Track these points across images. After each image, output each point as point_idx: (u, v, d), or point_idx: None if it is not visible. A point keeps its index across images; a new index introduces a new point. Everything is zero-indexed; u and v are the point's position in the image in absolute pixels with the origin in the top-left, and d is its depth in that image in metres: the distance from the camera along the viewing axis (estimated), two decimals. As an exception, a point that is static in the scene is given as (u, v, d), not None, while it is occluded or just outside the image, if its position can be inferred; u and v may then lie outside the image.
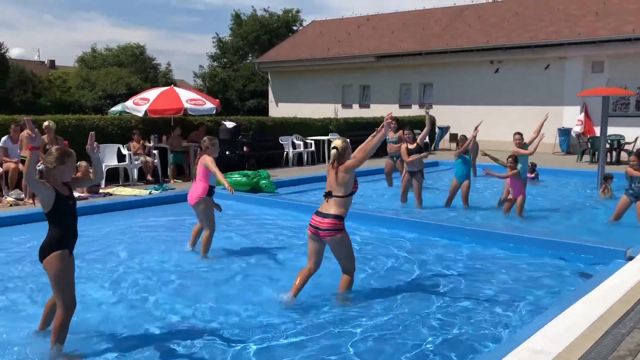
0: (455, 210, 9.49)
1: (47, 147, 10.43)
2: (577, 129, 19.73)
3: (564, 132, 20.17)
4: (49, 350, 3.80)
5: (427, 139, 21.24)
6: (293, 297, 4.95)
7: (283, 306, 4.89)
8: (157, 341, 4.18)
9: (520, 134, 9.65)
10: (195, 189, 6.30)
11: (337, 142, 4.96)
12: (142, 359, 3.91)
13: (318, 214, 4.89)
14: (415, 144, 9.66)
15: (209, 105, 12.79)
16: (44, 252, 3.76)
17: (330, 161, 4.93)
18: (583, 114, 19.79)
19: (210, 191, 6.33)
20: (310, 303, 4.94)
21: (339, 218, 4.83)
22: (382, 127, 4.93)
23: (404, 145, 9.73)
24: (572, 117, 20.42)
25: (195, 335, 4.28)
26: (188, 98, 12.73)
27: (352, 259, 5.06)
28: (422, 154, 9.65)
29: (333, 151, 4.90)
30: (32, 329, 4.18)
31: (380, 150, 10.79)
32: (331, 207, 4.84)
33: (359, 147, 5.04)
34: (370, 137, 5.04)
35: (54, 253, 3.73)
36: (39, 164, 3.74)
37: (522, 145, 9.48)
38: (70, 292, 3.82)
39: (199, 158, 6.37)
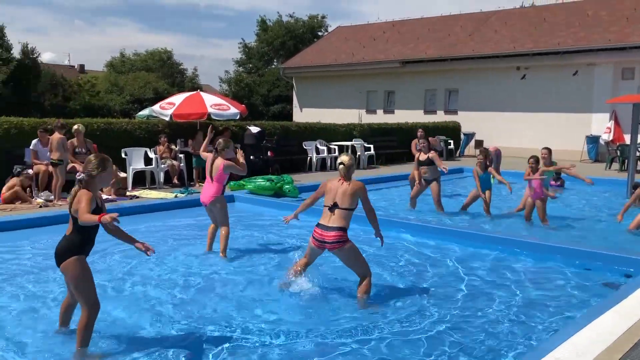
0: (477, 217, 9.39)
1: (77, 150, 10.68)
2: (605, 136, 19.39)
3: (592, 140, 19.83)
4: (75, 351, 3.87)
5: (452, 145, 21.24)
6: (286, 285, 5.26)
7: (302, 309, 4.93)
8: (179, 341, 4.23)
9: (548, 149, 9.13)
10: (209, 189, 6.48)
11: (344, 158, 5.09)
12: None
13: (321, 226, 4.95)
14: (427, 156, 9.62)
15: (233, 110, 12.91)
16: (61, 257, 3.79)
17: (341, 175, 5.03)
18: (612, 121, 19.43)
19: (223, 190, 6.56)
20: (331, 307, 4.95)
21: (344, 230, 4.90)
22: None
23: (417, 155, 9.89)
24: (600, 125, 20.09)
25: (213, 336, 4.31)
26: (212, 103, 12.87)
27: (364, 263, 5.08)
28: (432, 166, 9.61)
29: (341, 166, 5.03)
30: (56, 328, 4.27)
31: (406, 158, 10.76)
32: (336, 220, 4.90)
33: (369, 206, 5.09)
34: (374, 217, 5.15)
35: (73, 258, 3.77)
36: (78, 173, 3.80)
37: (550, 162, 9.12)
38: (92, 294, 3.87)
39: (215, 159, 6.49)
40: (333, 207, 4.93)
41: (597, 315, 4.46)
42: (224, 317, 4.75)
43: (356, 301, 5.06)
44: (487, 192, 9.38)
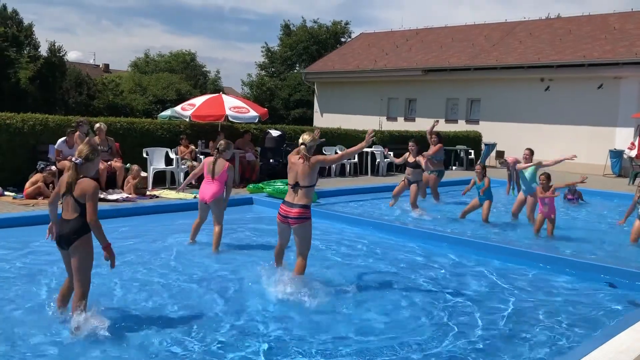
0: (495, 227, 9.31)
1: (100, 147, 10.81)
2: (629, 152, 19.10)
3: (616, 154, 19.54)
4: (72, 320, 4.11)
5: (472, 155, 21.07)
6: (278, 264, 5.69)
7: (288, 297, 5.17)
8: (177, 332, 4.25)
9: (530, 149, 9.86)
10: (210, 188, 6.83)
11: (305, 137, 5.36)
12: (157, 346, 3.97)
13: (286, 203, 5.36)
14: (414, 160, 10.33)
15: (252, 113, 12.93)
16: (73, 236, 4.03)
17: (300, 155, 5.32)
18: (638, 136, 19.13)
19: (223, 191, 6.88)
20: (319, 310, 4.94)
21: (306, 207, 5.31)
22: (365, 140, 5.33)
23: (406, 154, 10.53)
24: (625, 139, 19.79)
25: (203, 327, 4.33)
26: (232, 106, 12.91)
27: (309, 244, 5.48)
28: (417, 170, 10.35)
29: (302, 146, 5.32)
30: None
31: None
32: (300, 198, 5.29)
33: (342, 151, 5.43)
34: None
35: (85, 236, 4.05)
36: (75, 157, 4.13)
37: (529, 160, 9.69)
38: (89, 274, 4.15)
39: (216, 159, 6.87)
40: (295, 186, 5.32)
41: (616, 333, 4.38)
42: (220, 310, 4.77)
43: (292, 279, 5.34)
44: (486, 203, 9.54)
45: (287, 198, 5.36)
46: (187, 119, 12.97)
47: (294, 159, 5.38)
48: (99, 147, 10.57)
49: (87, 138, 4.43)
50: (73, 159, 4.09)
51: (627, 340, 4.27)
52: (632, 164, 18.38)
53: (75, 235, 4.03)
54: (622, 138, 19.98)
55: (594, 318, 5.16)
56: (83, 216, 4.02)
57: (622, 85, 20.37)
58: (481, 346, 4.40)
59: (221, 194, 6.81)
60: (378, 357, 4.11)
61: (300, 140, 5.35)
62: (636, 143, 19.09)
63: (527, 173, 9.53)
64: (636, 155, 18.79)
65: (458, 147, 20.75)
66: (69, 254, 4.11)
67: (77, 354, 3.90)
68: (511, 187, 10.63)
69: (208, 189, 6.84)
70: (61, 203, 4.16)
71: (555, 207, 8.69)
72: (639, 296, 5.85)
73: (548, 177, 8.62)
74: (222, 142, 7.00)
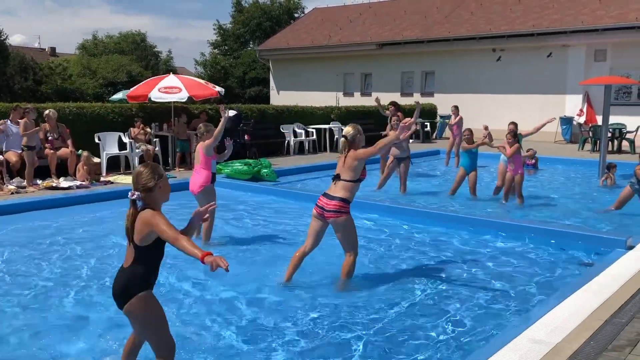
0: (456, 199, 9.49)
1: (48, 135, 10.48)
2: (577, 118, 19.70)
3: (566, 121, 20.10)
4: None
5: (428, 127, 21.33)
6: (287, 282, 5.11)
7: (284, 289, 4.98)
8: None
9: (514, 123, 9.75)
10: (198, 177, 6.32)
11: (348, 129, 5.07)
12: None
13: (325, 195, 5.01)
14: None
15: (182, 94, 12.12)
16: (124, 296, 3.03)
17: (340, 149, 5.07)
18: (585, 103, 19.71)
19: (213, 178, 6.39)
20: (314, 294, 4.97)
21: (345, 201, 4.94)
22: (400, 129, 5.12)
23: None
24: (574, 106, 20.35)
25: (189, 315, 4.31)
26: (162, 86, 12.26)
27: (355, 242, 5.10)
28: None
29: (342, 139, 5.06)
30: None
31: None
32: (338, 190, 4.96)
33: (377, 142, 5.12)
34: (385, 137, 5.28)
35: (139, 295, 3.02)
36: (131, 193, 3.04)
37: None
38: (166, 334, 3.15)
39: (198, 145, 6.41)
40: (335, 178, 5.04)
41: (569, 294, 4.56)
42: (209, 297, 4.74)
43: (338, 282, 5.10)
44: (472, 173, 9.48)
45: (328, 190, 5.03)
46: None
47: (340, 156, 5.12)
48: (49, 135, 10.35)
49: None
50: (130, 196, 3.04)
51: (580, 300, 4.45)
52: (581, 130, 18.96)
53: (124, 295, 3.03)
54: (571, 105, 20.54)
55: (547, 281, 5.35)
56: (135, 263, 3.03)
57: (570, 54, 20.86)
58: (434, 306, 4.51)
59: (208, 184, 6.29)
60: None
61: (343, 132, 5.10)
62: (584, 109, 19.69)
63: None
64: (585, 121, 19.38)
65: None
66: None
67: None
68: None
69: (194, 179, 6.37)
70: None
71: (520, 165, 8.84)
72: (589, 257, 6.09)
73: (514, 134, 8.81)
74: (201, 125, 6.49)
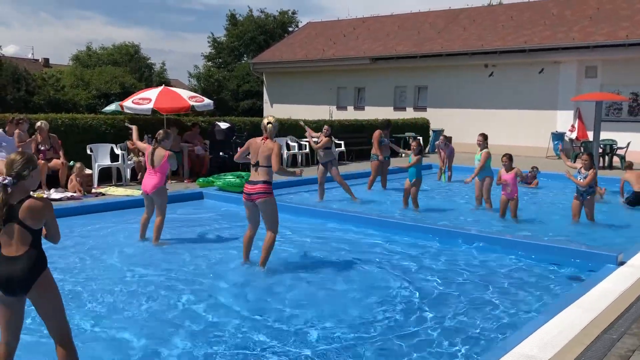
0: (453, 213, 9.50)
1: (40, 147, 10.43)
2: (570, 134, 19.87)
3: (558, 137, 20.25)
4: None
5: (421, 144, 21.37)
6: (246, 260, 6.04)
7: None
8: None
9: (484, 135, 9.89)
10: (151, 179, 6.79)
11: (271, 118, 5.88)
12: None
13: (250, 182, 5.79)
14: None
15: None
16: (31, 276, 3.11)
17: (267, 134, 5.76)
18: (577, 119, 19.88)
19: (166, 181, 6.98)
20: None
21: (267, 183, 5.74)
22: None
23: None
24: (565, 121, 20.52)
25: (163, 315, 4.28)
26: (189, 96, 12.84)
27: (277, 221, 5.89)
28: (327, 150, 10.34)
29: (269, 126, 5.78)
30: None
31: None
32: (260, 175, 5.74)
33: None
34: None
35: (45, 271, 3.20)
36: (2, 178, 3.16)
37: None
38: (64, 313, 3.31)
39: (155, 149, 6.80)
40: (256, 166, 5.77)
41: (561, 309, 4.56)
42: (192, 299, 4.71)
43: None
44: (415, 181, 9.48)
45: (251, 177, 5.81)
46: (149, 113, 12.46)
47: (254, 143, 5.87)
48: (40, 146, 10.30)
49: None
50: (1, 180, 3.13)
51: (572, 316, 4.45)
52: (572, 146, 19.09)
53: (32, 275, 3.13)
54: (562, 121, 20.71)
55: (538, 297, 5.35)
56: (33, 247, 3.16)
57: (561, 70, 21.07)
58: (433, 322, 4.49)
59: (162, 185, 6.81)
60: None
61: (267, 120, 5.86)
62: (576, 125, 19.85)
63: (477, 159, 9.66)
64: (576, 137, 19.53)
65: (407, 134, 21.02)
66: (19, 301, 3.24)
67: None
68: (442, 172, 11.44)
69: (148, 180, 6.84)
70: None
71: (516, 188, 8.88)
72: (580, 273, 6.10)
73: (510, 157, 8.85)
74: (160, 131, 6.97)
